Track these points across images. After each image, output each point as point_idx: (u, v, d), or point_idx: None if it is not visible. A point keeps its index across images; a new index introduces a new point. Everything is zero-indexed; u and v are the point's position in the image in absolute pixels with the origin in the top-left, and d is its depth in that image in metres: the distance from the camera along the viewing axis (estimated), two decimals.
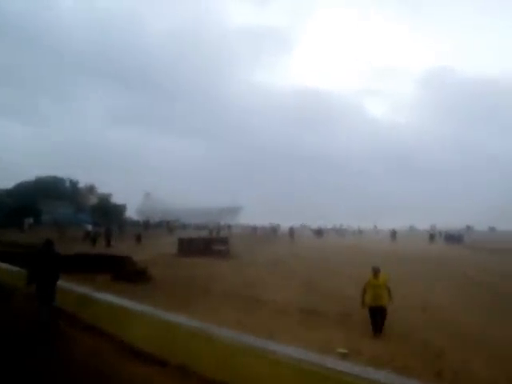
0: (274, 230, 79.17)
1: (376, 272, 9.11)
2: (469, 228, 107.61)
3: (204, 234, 49.29)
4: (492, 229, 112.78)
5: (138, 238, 33.87)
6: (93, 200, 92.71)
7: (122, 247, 27.48)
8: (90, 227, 41.19)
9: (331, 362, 4.09)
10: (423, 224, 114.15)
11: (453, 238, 53.76)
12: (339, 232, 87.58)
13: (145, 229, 52.86)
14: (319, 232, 73.51)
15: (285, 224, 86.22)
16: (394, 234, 56.24)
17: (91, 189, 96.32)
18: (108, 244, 30.68)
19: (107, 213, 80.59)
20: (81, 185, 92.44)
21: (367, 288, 9.09)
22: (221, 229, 74.55)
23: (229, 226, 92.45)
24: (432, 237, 53.25)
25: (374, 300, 8.87)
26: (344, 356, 5.86)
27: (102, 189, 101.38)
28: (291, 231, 58.96)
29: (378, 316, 8.84)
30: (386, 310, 8.88)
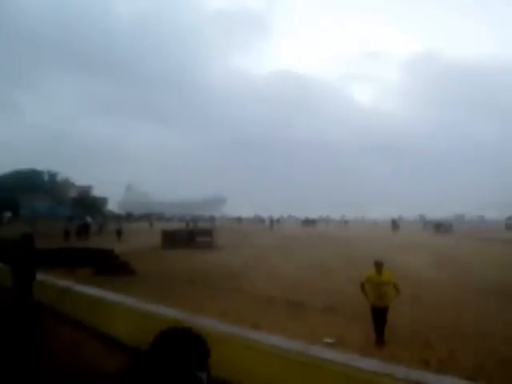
0: (259, 221, 79.60)
1: (379, 267, 7.66)
2: (458, 217, 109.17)
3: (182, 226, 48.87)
4: (481, 217, 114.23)
5: (119, 233, 32.47)
6: (73, 193, 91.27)
7: (103, 240, 27.09)
8: (89, 219, 41.42)
9: (318, 351, 4.06)
10: (411, 213, 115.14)
11: (441, 227, 54.64)
12: (327, 222, 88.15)
13: (127, 221, 52.39)
14: (310, 222, 74.31)
15: (270, 214, 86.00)
16: (395, 224, 56.93)
17: (70, 181, 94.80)
18: (85, 238, 30.27)
19: (88, 206, 79.48)
20: (60, 177, 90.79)
21: (368, 285, 7.75)
22: (201, 220, 74.26)
23: (212, 218, 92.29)
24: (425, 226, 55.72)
25: (377, 299, 7.58)
26: (331, 345, 5.85)
27: (82, 181, 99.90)
28: (271, 222, 59.90)
29: (380, 317, 7.62)
30: (387, 310, 7.64)
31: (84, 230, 32.04)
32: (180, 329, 1.70)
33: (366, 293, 7.74)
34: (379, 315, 7.58)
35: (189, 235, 29.46)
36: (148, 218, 75.56)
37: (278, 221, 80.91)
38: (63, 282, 9.00)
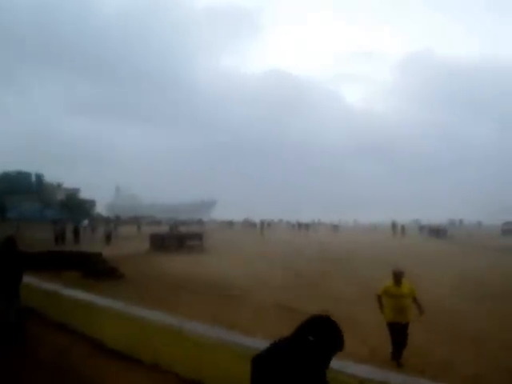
0: (250, 225, 79.40)
1: (398, 277, 6.69)
2: (452, 222, 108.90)
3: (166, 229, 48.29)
4: (479, 223, 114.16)
5: (108, 237, 31.47)
6: (60, 195, 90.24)
7: (91, 244, 26.78)
8: (86, 222, 41.08)
9: None
10: (405, 217, 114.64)
11: (436, 232, 54.50)
12: (320, 227, 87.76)
13: (115, 225, 51.90)
14: (304, 226, 74.36)
15: (262, 218, 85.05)
16: (401, 228, 55.81)
17: (58, 184, 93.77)
18: (77, 241, 29.75)
19: (76, 209, 78.69)
20: (47, 179, 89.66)
21: (385, 298, 6.81)
22: (189, 224, 73.78)
23: (200, 221, 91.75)
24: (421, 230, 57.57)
25: (395, 314, 6.61)
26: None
27: (68, 183, 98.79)
28: (262, 226, 59.90)
29: (400, 335, 6.61)
30: (407, 327, 6.65)
31: (74, 234, 31.16)
32: (324, 317, 2.00)
33: (382, 306, 6.87)
34: (398, 333, 6.60)
35: (178, 239, 29.25)
36: (136, 221, 74.82)
37: (269, 224, 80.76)
38: (50, 286, 8.85)
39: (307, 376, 1.89)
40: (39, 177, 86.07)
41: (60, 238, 28.87)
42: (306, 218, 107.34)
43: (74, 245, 27.53)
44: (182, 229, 46.43)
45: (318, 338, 1.93)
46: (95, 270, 14.85)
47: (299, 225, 77.42)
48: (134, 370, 5.37)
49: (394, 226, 57.05)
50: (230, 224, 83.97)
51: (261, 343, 4.40)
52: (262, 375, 1.96)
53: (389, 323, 6.69)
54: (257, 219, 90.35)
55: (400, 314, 6.55)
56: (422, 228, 64.51)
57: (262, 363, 1.99)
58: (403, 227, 56.74)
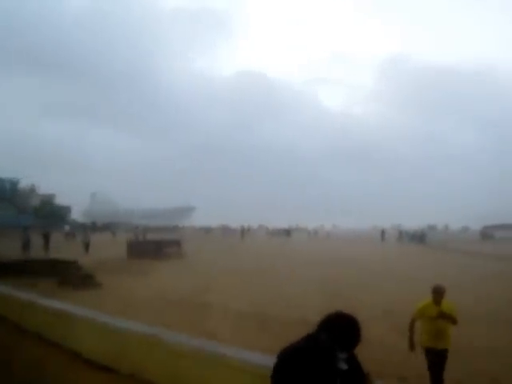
0: (228, 231, 79.19)
1: (439, 294, 5.41)
2: (432, 227, 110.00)
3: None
4: (465, 228, 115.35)
5: (87, 245, 29.42)
6: (35, 201, 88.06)
7: (67, 252, 26.21)
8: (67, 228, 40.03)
9: None
10: (385, 223, 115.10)
11: (416, 238, 56.39)
12: (301, 232, 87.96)
13: (92, 231, 50.85)
14: (285, 232, 74.77)
15: (242, 224, 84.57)
16: (382, 234, 58.32)
17: (33, 189, 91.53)
18: (46, 248, 28.51)
19: (51, 215, 76.92)
20: (21, 185, 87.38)
21: (422, 320, 5.55)
22: (164, 231, 72.70)
23: (174, 228, 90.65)
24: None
25: (434, 339, 5.40)
26: None
27: (44, 189, 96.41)
28: (243, 232, 59.99)
29: (439, 363, 5.41)
30: (447, 355, 5.44)
31: (44, 240, 29.81)
32: (342, 313, 2.22)
33: (413, 334, 5.60)
34: (436, 360, 5.39)
35: (156, 246, 29.01)
36: (110, 228, 73.26)
37: (249, 230, 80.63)
38: (25, 295, 8.69)
39: (321, 373, 2.05)
40: (14, 183, 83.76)
41: (26, 245, 26.91)
42: (284, 223, 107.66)
43: (45, 252, 26.55)
44: (153, 236, 45.56)
45: (330, 334, 2.12)
46: (71, 278, 14.65)
47: (281, 231, 77.72)
48: (111, 380, 5.35)
49: (382, 233, 59.15)
50: (208, 230, 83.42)
51: (239, 352, 4.49)
52: (282, 374, 2.13)
53: (426, 349, 5.52)
54: (235, 224, 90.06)
55: (439, 338, 5.39)
56: (401, 234, 65.69)
57: (282, 362, 2.17)
58: (383, 232, 58.94)
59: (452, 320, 5.34)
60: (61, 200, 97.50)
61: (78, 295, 12.01)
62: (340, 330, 2.12)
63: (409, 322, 5.67)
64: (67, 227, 43.90)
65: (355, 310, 3.38)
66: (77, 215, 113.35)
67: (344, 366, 2.10)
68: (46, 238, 29.87)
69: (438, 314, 5.27)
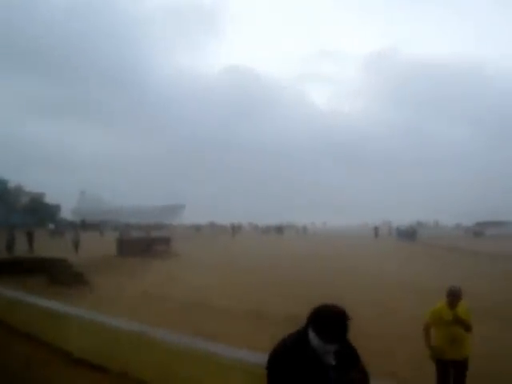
0: (218, 229, 79.01)
1: (455, 297, 4.71)
2: (421, 224, 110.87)
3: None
4: (458, 225, 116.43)
5: (76, 244, 28.31)
6: (24, 200, 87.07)
7: (53, 250, 25.89)
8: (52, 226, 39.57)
9: None
10: (375, 219, 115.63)
11: (407, 234, 55.85)
12: (293, 230, 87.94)
13: (82, 229, 50.32)
14: (278, 230, 74.78)
15: (232, 222, 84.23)
16: (375, 230, 59.55)
17: (22, 188, 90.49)
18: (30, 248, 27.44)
19: (40, 214, 76.11)
20: (11, 184, 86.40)
21: (435, 325, 4.87)
22: (153, 229, 71.96)
23: (164, 226, 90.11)
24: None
25: (448, 347, 4.68)
26: None
27: (33, 187, 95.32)
28: (233, 230, 59.96)
29: (457, 377, 4.65)
30: (467, 366, 4.67)
31: (28, 240, 28.92)
32: (328, 306, 2.13)
33: (429, 339, 4.90)
34: (448, 371, 4.70)
35: (146, 243, 29.05)
36: (100, 226, 72.37)
37: (240, 228, 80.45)
38: (14, 294, 8.58)
39: (310, 373, 2.03)
40: (3, 182, 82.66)
41: (10, 244, 25.37)
42: (274, 221, 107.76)
43: (30, 251, 25.99)
44: (139, 234, 45.12)
45: (318, 328, 2.06)
46: (60, 276, 14.53)
47: (274, 228, 77.74)
48: (103, 379, 5.31)
49: (376, 230, 60.27)
50: (198, 228, 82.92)
51: (230, 350, 4.48)
52: (275, 371, 2.12)
53: (438, 360, 4.80)
54: (224, 222, 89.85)
55: (455, 345, 4.65)
56: (390, 230, 66.83)
57: (273, 366, 2.15)
58: (377, 229, 60.03)
59: (465, 326, 4.64)
60: (50, 199, 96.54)
61: (67, 293, 11.91)
62: (327, 322, 2.05)
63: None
64: (52, 226, 43.50)
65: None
66: (66, 214, 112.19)
67: (332, 362, 2.07)
68: (30, 236, 28.87)
69: (454, 318, 4.61)
